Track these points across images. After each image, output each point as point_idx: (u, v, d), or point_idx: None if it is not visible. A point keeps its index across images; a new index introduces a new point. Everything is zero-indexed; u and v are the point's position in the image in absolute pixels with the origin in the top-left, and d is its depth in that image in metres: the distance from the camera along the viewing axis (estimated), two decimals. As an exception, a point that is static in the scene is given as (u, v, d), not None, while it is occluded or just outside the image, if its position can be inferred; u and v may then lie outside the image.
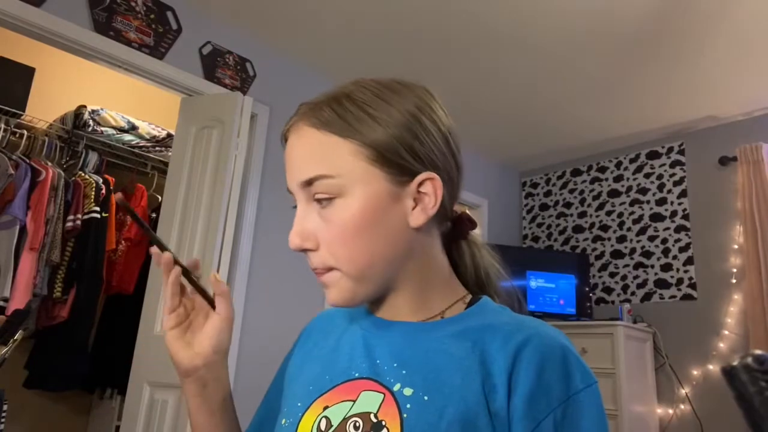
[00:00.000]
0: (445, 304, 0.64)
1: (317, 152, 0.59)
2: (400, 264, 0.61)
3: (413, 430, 0.54)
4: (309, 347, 0.72)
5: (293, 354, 0.74)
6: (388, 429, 0.54)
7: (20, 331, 0.63)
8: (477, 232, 0.71)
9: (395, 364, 0.59)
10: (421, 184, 0.60)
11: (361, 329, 0.67)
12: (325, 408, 0.60)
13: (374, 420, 0.56)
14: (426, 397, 0.55)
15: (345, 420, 0.57)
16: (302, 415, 0.61)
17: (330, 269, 0.60)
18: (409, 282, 0.63)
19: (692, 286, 3.40)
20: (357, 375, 0.61)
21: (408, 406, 0.55)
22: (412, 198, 0.60)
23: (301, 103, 0.64)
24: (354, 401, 0.59)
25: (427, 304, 0.64)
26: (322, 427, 0.59)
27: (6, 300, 2.45)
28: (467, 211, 0.71)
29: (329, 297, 0.62)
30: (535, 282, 3.58)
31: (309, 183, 0.59)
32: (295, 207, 0.62)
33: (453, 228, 0.68)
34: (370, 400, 0.58)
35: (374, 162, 0.58)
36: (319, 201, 0.59)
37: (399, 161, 0.59)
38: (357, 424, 0.56)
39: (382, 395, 0.57)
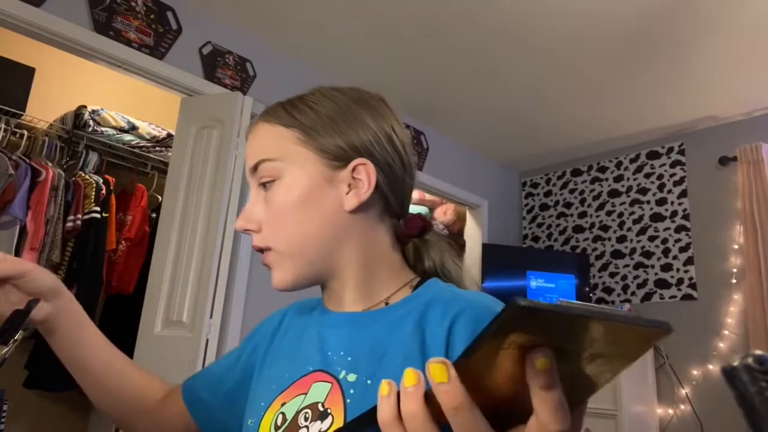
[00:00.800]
0: (391, 290, 0.66)
1: (263, 140, 0.66)
2: (338, 247, 0.64)
3: (355, 412, 0.55)
4: (275, 345, 0.74)
5: (256, 351, 0.75)
6: (332, 416, 0.57)
7: (20, 332, 0.63)
8: (435, 231, 0.74)
9: (342, 353, 0.62)
10: (354, 169, 0.64)
11: (316, 323, 0.69)
12: (283, 404, 0.63)
13: (321, 409, 0.58)
14: (369, 381, 0.57)
15: (297, 413, 0.60)
16: (263, 414, 0.64)
17: (269, 249, 0.64)
18: (352, 268, 0.65)
19: (692, 286, 3.40)
20: (311, 369, 0.64)
21: (351, 391, 0.57)
22: (347, 183, 0.64)
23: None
24: (306, 394, 0.61)
25: (373, 291, 0.66)
26: (279, 423, 0.61)
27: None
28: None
29: (273, 280, 0.65)
30: (535, 282, 3.58)
31: (255, 168, 0.65)
32: None
33: (406, 227, 0.70)
34: (319, 391, 0.60)
35: (309, 145, 0.64)
36: (264, 185, 0.65)
37: (332, 146, 0.64)
38: (307, 415, 0.59)
39: (330, 384, 0.60)
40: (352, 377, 0.59)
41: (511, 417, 0.28)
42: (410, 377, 0.29)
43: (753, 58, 2.83)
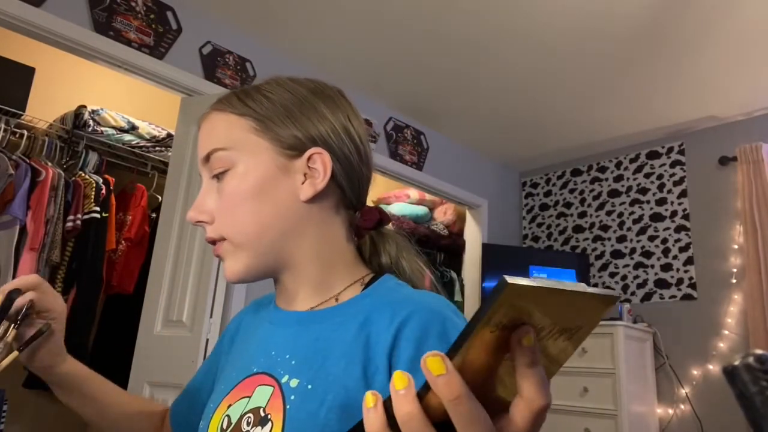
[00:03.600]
0: (342, 286, 0.64)
1: (215, 129, 0.64)
2: (292, 238, 0.63)
3: (294, 420, 0.54)
4: (233, 347, 0.74)
5: (220, 357, 0.76)
6: (272, 422, 0.56)
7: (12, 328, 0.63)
8: (389, 227, 0.72)
9: (287, 356, 0.61)
10: (310, 158, 0.63)
11: (265, 322, 0.69)
12: (229, 407, 0.62)
13: (262, 414, 0.57)
14: (310, 386, 0.56)
15: (241, 417, 0.59)
16: (212, 417, 0.64)
17: (222, 240, 0.63)
18: (306, 260, 0.64)
19: (692, 286, 3.40)
20: (255, 370, 0.62)
21: (292, 397, 0.56)
22: (302, 173, 0.63)
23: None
24: (250, 397, 0.60)
25: (324, 286, 0.64)
26: (224, 426, 0.60)
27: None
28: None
29: (225, 271, 0.64)
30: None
31: (207, 158, 0.64)
32: None
33: (362, 220, 0.69)
34: (262, 395, 0.59)
35: (263, 134, 0.63)
36: (216, 176, 0.63)
37: (287, 135, 0.63)
38: (249, 420, 0.58)
39: (272, 389, 0.59)
40: (294, 382, 0.57)
41: (490, 406, 0.29)
42: (400, 380, 0.28)
43: (753, 59, 2.84)
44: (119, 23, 2.39)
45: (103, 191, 2.86)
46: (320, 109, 0.66)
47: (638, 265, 3.65)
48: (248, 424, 0.58)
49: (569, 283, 0.27)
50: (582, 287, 0.27)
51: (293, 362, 0.60)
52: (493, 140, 3.92)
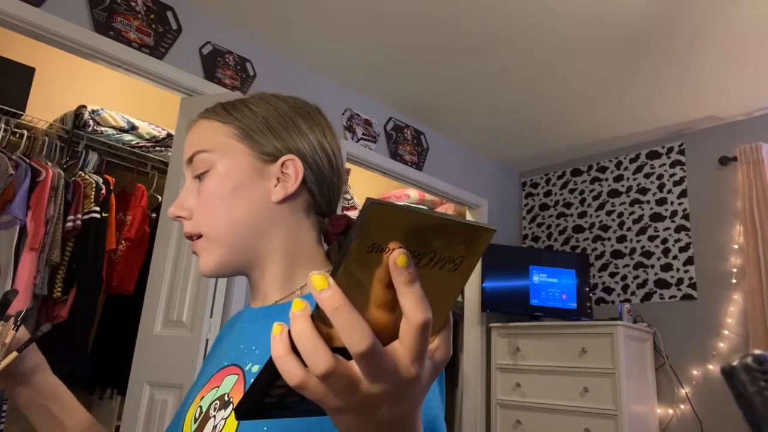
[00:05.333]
0: (304, 279, 0.69)
1: (200, 134, 0.70)
2: (263, 237, 0.68)
3: None
4: (211, 353, 0.79)
5: (203, 364, 0.81)
6: (233, 403, 0.60)
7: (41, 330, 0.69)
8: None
9: (253, 347, 0.66)
10: (283, 164, 0.68)
11: (239, 323, 0.74)
12: (201, 398, 0.67)
13: (226, 399, 0.62)
14: None
15: (210, 405, 0.64)
16: (188, 410, 0.69)
17: (199, 236, 0.68)
18: (275, 258, 0.69)
19: (692, 286, 3.40)
20: (225, 363, 0.68)
21: (251, 380, 0.59)
22: (276, 177, 0.69)
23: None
24: (218, 387, 0.65)
25: (291, 282, 0.69)
26: (197, 416, 0.65)
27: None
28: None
29: (199, 265, 0.69)
30: (538, 277, 3.59)
31: (190, 160, 0.69)
32: None
33: (331, 225, 0.73)
34: (228, 383, 0.64)
35: (242, 139, 0.69)
36: (198, 177, 0.69)
37: (264, 142, 0.69)
38: (215, 406, 0.63)
39: (237, 376, 0.63)
40: (255, 368, 0.62)
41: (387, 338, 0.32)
42: (297, 304, 0.31)
43: (753, 59, 2.84)
44: (119, 23, 2.39)
45: (103, 191, 2.86)
46: (298, 124, 0.72)
47: (638, 265, 3.65)
48: (214, 409, 0.62)
49: (436, 212, 0.29)
50: (451, 217, 0.30)
51: (257, 352, 0.64)
52: (493, 140, 3.92)
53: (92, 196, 2.80)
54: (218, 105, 0.72)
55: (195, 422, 0.65)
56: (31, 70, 2.75)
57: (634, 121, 3.54)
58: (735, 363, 0.26)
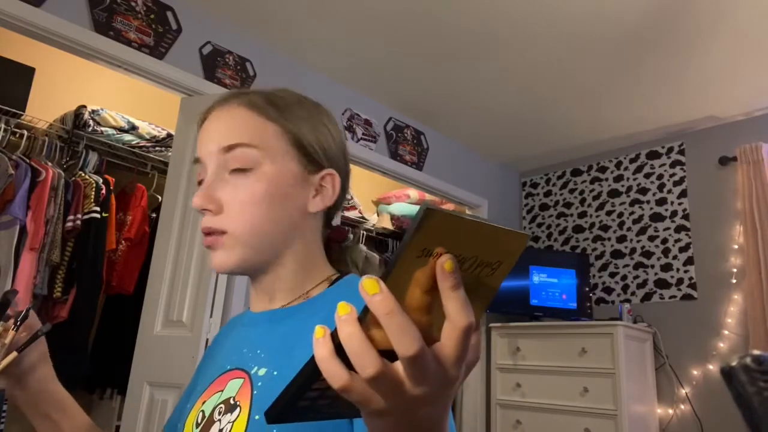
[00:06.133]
0: (313, 284, 0.70)
1: (246, 125, 0.66)
2: (287, 242, 0.67)
3: (260, 403, 0.58)
4: (209, 357, 0.78)
5: (198, 368, 0.80)
6: (240, 407, 0.60)
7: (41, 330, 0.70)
8: (350, 237, 0.81)
9: (258, 351, 0.65)
10: (323, 177, 0.69)
11: (239, 326, 0.74)
12: (203, 403, 0.66)
13: (232, 402, 0.61)
14: (276, 372, 0.61)
15: (214, 409, 0.63)
16: (188, 415, 0.68)
17: (223, 233, 0.65)
18: (291, 263, 0.68)
19: (692, 286, 3.40)
20: (228, 367, 0.67)
21: (259, 384, 0.61)
22: (314, 188, 0.69)
23: (225, 94, 0.72)
24: (222, 391, 0.64)
25: (299, 287, 0.69)
26: (199, 421, 0.64)
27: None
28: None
29: (215, 261, 0.66)
30: (538, 277, 3.59)
31: (230, 148, 0.65)
32: (201, 182, 0.67)
33: (335, 234, 0.77)
34: (233, 387, 0.63)
35: (292, 145, 0.67)
36: (234, 169, 0.65)
37: (312, 151, 0.68)
38: (220, 410, 0.62)
39: (242, 380, 0.63)
40: (262, 371, 0.62)
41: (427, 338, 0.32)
42: (343, 307, 0.32)
43: (753, 59, 2.83)
44: (119, 23, 2.39)
45: (103, 191, 2.86)
46: (335, 136, 0.72)
47: (638, 265, 3.65)
48: (219, 413, 0.62)
49: (483, 218, 0.31)
50: (495, 223, 0.31)
51: (263, 355, 0.64)
52: (493, 140, 3.92)
53: (92, 196, 2.80)
54: (258, 96, 0.69)
55: (197, 427, 0.64)
56: (31, 70, 2.75)
57: (634, 121, 3.54)
58: (734, 363, 0.26)
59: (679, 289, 3.45)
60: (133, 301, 2.80)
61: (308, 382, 0.34)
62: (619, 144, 3.87)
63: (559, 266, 3.64)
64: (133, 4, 2.45)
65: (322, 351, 0.32)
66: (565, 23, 2.60)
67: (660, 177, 3.69)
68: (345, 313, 0.32)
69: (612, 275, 3.76)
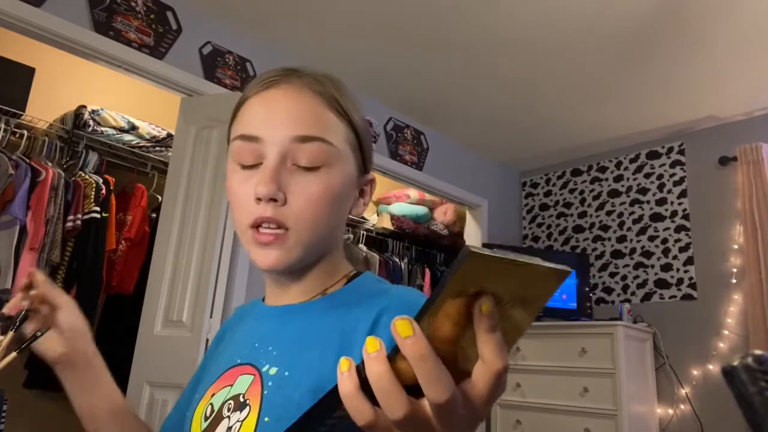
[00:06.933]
0: (331, 282, 0.68)
1: (319, 119, 0.62)
2: (330, 243, 0.67)
3: (270, 403, 0.57)
4: (222, 345, 0.76)
5: (206, 356, 0.79)
6: (250, 406, 0.58)
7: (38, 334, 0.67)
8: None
9: (270, 347, 0.63)
10: (367, 182, 0.70)
11: (251, 319, 0.71)
12: (212, 396, 0.64)
13: (241, 400, 0.60)
14: (287, 373, 0.59)
15: (223, 404, 0.61)
16: (197, 406, 0.66)
17: (284, 228, 0.60)
18: (324, 262, 0.67)
19: (692, 286, 3.40)
20: (239, 361, 0.65)
21: (270, 383, 0.59)
22: (358, 191, 0.69)
23: (283, 67, 0.66)
24: (232, 386, 0.62)
25: (319, 284, 0.67)
26: (208, 414, 0.62)
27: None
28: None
29: (268, 258, 0.61)
30: None
31: (306, 140, 0.60)
32: (251, 166, 0.61)
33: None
34: (243, 383, 0.61)
35: (355, 149, 0.66)
36: (303, 164, 0.60)
37: (365, 155, 0.68)
38: (230, 406, 0.60)
39: (253, 377, 0.61)
40: (273, 370, 0.60)
41: (455, 378, 0.31)
42: (372, 344, 0.31)
43: (753, 58, 2.83)
44: (119, 23, 2.39)
45: (103, 191, 2.86)
46: (369, 126, 0.74)
47: (638, 265, 3.65)
48: (228, 409, 0.60)
49: (526, 256, 0.29)
50: (538, 261, 0.29)
51: (275, 353, 0.62)
52: (493, 140, 3.92)
53: (92, 196, 2.80)
54: (330, 85, 0.65)
55: (205, 420, 0.62)
56: (31, 70, 2.75)
57: (634, 121, 3.54)
58: (735, 363, 0.26)
59: (679, 289, 3.45)
60: (133, 301, 2.80)
61: (330, 410, 0.33)
62: (619, 144, 3.87)
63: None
64: (133, 4, 2.45)
65: (348, 387, 0.31)
66: (566, 23, 2.60)
67: (660, 177, 3.69)
68: (374, 351, 0.30)
69: (612, 275, 3.76)
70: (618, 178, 3.89)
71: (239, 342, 0.68)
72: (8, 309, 0.69)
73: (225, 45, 2.74)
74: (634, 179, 3.81)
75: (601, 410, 3.01)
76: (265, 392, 0.58)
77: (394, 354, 0.31)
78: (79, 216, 2.73)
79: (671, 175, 3.64)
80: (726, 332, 3.22)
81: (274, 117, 0.61)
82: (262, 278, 0.72)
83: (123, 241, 3.00)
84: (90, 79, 3.20)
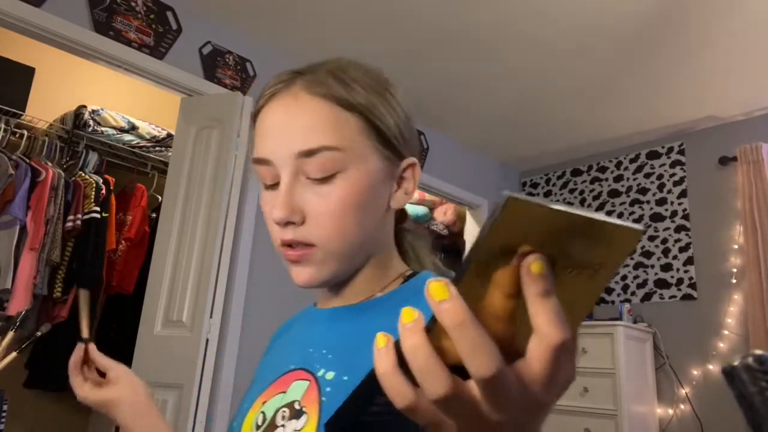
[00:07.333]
0: (387, 281, 0.64)
1: (321, 121, 0.57)
2: (372, 243, 0.61)
3: (330, 411, 0.53)
4: (270, 354, 0.74)
5: (260, 361, 0.76)
6: (307, 414, 0.54)
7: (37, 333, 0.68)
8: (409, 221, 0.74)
9: (324, 351, 0.59)
10: (405, 169, 0.62)
11: (303, 322, 0.68)
12: (264, 403, 0.61)
13: (297, 407, 0.56)
14: (345, 378, 0.55)
15: (276, 412, 0.58)
16: (246, 414, 0.62)
17: (310, 246, 0.57)
18: (372, 263, 0.63)
19: (692, 286, 3.40)
20: (292, 367, 0.61)
21: (328, 389, 0.55)
22: (395, 181, 0.62)
23: (281, 73, 0.62)
24: (285, 392, 0.59)
25: (373, 285, 0.63)
26: (259, 423, 0.59)
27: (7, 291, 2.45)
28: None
29: (302, 276, 0.59)
30: None
31: (310, 153, 0.56)
32: (272, 185, 0.59)
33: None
34: (297, 389, 0.58)
35: (375, 140, 0.59)
36: (315, 177, 0.57)
37: (395, 142, 0.61)
38: (284, 414, 0.56)
39: (308, 382, 0.57)
40: (330, 375, 0.56)
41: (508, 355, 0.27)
42: (408, 314, 0.27)
43: (752, 59, 2.83)
44: (119, 23, 2.39)
45: (103, 191, 2.86)
46: (409, 116, 0.63)
47: (638, 265, 3.65)
48: (283, 418, 0.56)
49: (583, 210, 0.24)
50: (601, 216, 0.25)
51: (330, 356, 0.58)
52: (493, 140, 3.92)
53: (92, 196, 2.80)
54: (328, 77, 0.60)
55: (257, 429, 0.59)
56: (31, 70, 2.76)
57: (634, 121, 3.54)
58: (736, 363, 0.26)
59: (679, 289, 3.45)
60: (133, 301, 2.81)
61: (370, 395, 0.29)
62: (619, 144, 3.87)
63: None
64: (133, 4, 2.45)
65: (384, 364, 0.27)
66: (565, 23, 2.60)
67: (660, 177, 3.69)
68: (409, 321, 0.27)
69: (612, 275, 3.76)
70: (618, 178, 3.89)
71: (292, 347, 0.65)
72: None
73: (225, 45, 2.74)
74: (634, 179, 3.81)
75: (601, 410, 3.01)
76: (323, 399, 0.54)
77: (433, 326, 0.27)
78: (79, 216, 2.73)
79: (671, 175, 3.64)
80: (726, 332, 3.22)
81: (276, 136, 0.58)
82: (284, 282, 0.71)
83: (123, 241, 3.00)
84: (90, 79, 3.20)
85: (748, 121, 3.41)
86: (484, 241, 0.25)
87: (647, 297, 3.57)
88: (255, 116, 0.62)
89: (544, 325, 0.25)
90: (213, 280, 2.29)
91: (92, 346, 0.77)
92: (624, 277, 3.70)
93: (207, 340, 2.23)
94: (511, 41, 2.76)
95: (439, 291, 0.26)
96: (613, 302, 3.71)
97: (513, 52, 2.86)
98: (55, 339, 2.67)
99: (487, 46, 2.81)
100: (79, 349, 0.76)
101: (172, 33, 2.55)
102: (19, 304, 2.44)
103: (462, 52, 2.88)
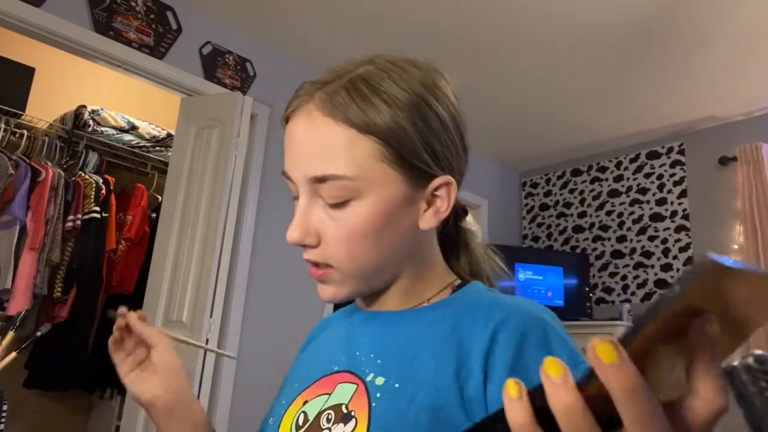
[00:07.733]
0: (432, 291, 0.62)
1: (334, 148, 0.54)
2: (400, 262, 0.60)
3: (381, 418, 0.52)
4: (307, 351, 0.72)
5: (296, 359, 0.74)
6: (356, 419, 0.53)
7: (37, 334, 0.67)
8: (470, 220, 0.70)
9: (372, 355, 0.58)
10: (436, 189, 0.57)
11: (346, 323, 0.66)
12: (305, 403, 0.59)
13: (344, 411, 0.54)
14: (397, 385, 0.53)
15: (320, 413, 0.56)
16: (285, 412, 0.61)
17: (329, 267, 0.57)
18: (405, 279, 0.61)
19: (692, 286, 3.40)
20: (336, 368, 0.60)
21: (378, 395, 0.54)
22: (425, 201, 0.58)
23: (307, 81, 0.59)
24: (330, 394, 0.57)
25: (415, 293, 0.62)
26: (300, 422, 0.58)
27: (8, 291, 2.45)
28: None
29: (326, 293, 0.59)
30: (524, 275, 3.58)
31: (320, 180, 0.54)
32: (296, 198, 0.58)
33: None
34: (344, 392, 0.56)
35: (394, 164, 0.54)
36: (329, 202, 0.55)
37: (419, 164, 0.55)
38: (329, 417, 0.55)
39: (356, 386, 0.56)
40: (380, 380, 0.55)
41: None
42: (554, 367, 0.25)
43: (753, 59, 2.84)
44: (119, 23, 2.39)
45: (103, 191, 2.86)
46: (439, 113, 0.58)
47: (638, 265, 3.65)
48: (328, 420, 0.55)
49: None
50: None
51: (379, 361, 0.57)
52: (493, 140, 3.92)
53: (92, 196, 2.80)
54: (342, 92, 0.55)
55: (297, 429, 0.57)
56: (31, 70, 2.76)
57: (634, 121, 3.54)
58: (736, 363, 0.26)
59: (679, 289, 3.45)
60: (133, 301, 2.80)
61: None
62: (619, 144, 3.87)
63: (544, 264, 3.62)
64: (133, 4, 2.45)
65: (520, 417, 0.25)
66: (565, 23, 2.60)
67: (660, 177, 3.69)
68: (557, 376, 0.25)
69: (612, 275, 3.76)
70: (618, 178, 3.89)
71: (335, 349, 0.63)
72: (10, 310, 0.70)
73: (225, 45, 2.74)
74: (634, 179, 3.81)
75: (601, 410, 3.00)
76: (374, 405, 0.53)
77: (587, 382, 0.25)
78: (79, 216, 2.73)
79: (671, 175, 3.64)
80: (726, 332, 3.22)
81: (293, 155, 0.57)
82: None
83: (123, 241, 3.00)
84: (90, 79, 3.20)
85: (748, 121, 3.41)
86: (673, 302, 0.23)
87: (647, 297, 3.57)
88: (284, 122, 0.61)
89: (710, 390, 0.25)
90: (213, 280, 2.29)
91: (132, 315, 0.74)
92: (624, 277, 3.70)
93: (207, 341, 2.23)
94: (511, 42, 2.76)
95: (608, 353, 0.24)
96: (613, 302, 3.71)
97: (513, 53, 2.86)
98: (55, 339, 2.67)
99: (487, 46, 2.81)
100: (121, 317, 0.73)
101: (172, 33, 2.55)
102: (19, 304, 2.44)
103: (462, 54, 2.88)
